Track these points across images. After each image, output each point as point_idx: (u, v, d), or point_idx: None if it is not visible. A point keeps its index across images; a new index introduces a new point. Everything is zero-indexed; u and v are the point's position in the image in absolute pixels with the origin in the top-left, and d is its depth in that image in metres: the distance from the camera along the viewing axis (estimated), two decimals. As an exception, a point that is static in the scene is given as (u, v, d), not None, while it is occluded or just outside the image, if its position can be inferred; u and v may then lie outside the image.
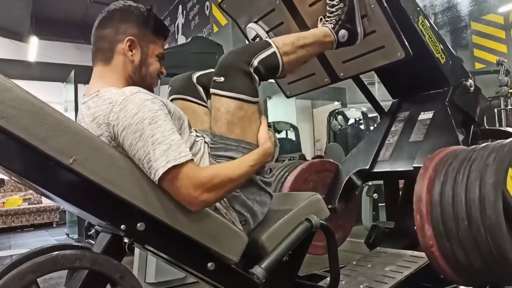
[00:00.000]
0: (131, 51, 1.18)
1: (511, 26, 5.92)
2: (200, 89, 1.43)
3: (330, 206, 1.83)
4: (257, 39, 1.81)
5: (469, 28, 6.26)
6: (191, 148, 1.15)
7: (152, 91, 1.20)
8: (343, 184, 1.91)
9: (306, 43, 1.38)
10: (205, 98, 1.43)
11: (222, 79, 1.19)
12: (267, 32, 1.85)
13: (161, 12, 7.05)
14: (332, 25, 1.51)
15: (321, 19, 1.57)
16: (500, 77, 4.31)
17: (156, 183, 1.00)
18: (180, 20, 6.37)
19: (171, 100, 1.43)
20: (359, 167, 1.90)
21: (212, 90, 1.22)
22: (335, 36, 1.49)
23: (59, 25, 8.56)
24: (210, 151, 1.20)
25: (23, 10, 7.80)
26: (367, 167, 1.86)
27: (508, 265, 1.17)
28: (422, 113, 1.86)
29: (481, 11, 6.19)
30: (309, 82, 2.02)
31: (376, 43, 1.63)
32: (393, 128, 1.93)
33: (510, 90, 4.33)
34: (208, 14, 5.36)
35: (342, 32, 1.51)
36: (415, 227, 1.33)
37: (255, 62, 1.20)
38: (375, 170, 1.85)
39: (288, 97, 2.23)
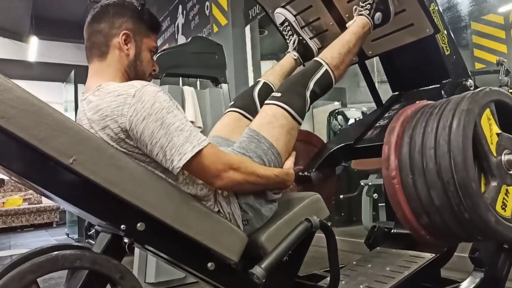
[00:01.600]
0: (127, 45, 1.19)
1: (511, 26, 5.91)
2: (259, 107, 1.53)
3: (306, 173, 1.83)
4: (286, 24, 1.85)
5: (469, 28, 6.25)
6: None
7: None
8: (325, 156, 1.89)
9: (351, 46, 1.46)
10: None
11: (280, 94, 1.32)
12: (295, 16, 1.86)
13: (161, 12, 7.04)
14: (368, 11, 1.55)
15: (355, 8, 1.60)
16: (500, 77, 4.30)
17: (179, 168, 1.02)
18: (180, 20, 6.36)
19: (229, 111, 1.55)
20: (343, 143, 1.89)
21: (266, 102, 1.33)
22: (372, 21, 1.55)
23: (59, 25, 8.55)
24: (239, 144, 1.24)
25: (23, 10, 7.80)
26: (351, 143, 1.85)
27: (470, 197, 1.09)
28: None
29: (481, 11, 6.18)
30: None
31: (406, 21, 1.67)
32: (386, 115, 1.93)
33: (510, 90, 4.32)
34: (208, 14, 5.36)
35: (377, 14, 1.56)
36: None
37: (311, 85, 1.34)
38: (358, 145, 1.83)
39: None
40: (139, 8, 1.22)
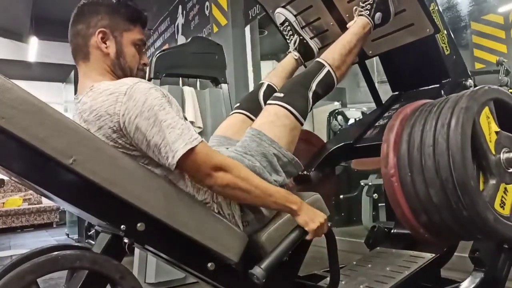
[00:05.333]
0: (105, 43, 1.16)
1: (511, 26, 5.91)
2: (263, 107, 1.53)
3: (305, 173, 1.82)
4: (286, 24, 1.85)
5: (469, 28, 6.25)
6: None
7: None
8: (324, 155, 1.88)
9: (352, 46, 1.47)
10: None
11: (282, 95, 1.33)
12: (295, 16, 1.86)
13: (161, 12, 7.04)
14: (368, 11, 1.55)
15: (355, 9, 1.60)
16: (500, 77, 4.30)
17: (174, 166, 1.01)
18: (180, 20, 6.36)
19: (234, 113, 1.57)
20: (343, 142, 1.89)
21: (269, 101, 1.35)
22: (372, 21, 1.55)
23: (59, 25, 8.49)
24: (241, 144, 1.25)
25: (23, 10, 7.79)
26: (351, 142, 1.85)
27: (468, 194, 1.09)
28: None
29: (481, 11, 6.18)
30: None
31: (406, 21, 1.67)
32: (386, 114, 1.94)
33: (510, 90, 4.32)
34: (208, 14, 5.35)
35: (377, 14, 1.57)
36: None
37: (314, 86, 1.35)
38: (358, 145, 1.83)
39: None
40: (115, 2, 1.18)
